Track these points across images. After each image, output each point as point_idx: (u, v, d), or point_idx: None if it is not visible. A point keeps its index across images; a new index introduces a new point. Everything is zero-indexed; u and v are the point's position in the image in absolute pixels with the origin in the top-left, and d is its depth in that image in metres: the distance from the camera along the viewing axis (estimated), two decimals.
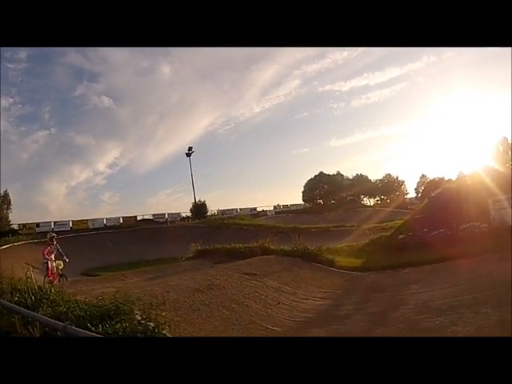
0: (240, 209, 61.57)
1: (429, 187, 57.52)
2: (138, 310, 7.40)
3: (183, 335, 8.50)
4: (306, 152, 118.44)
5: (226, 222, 39.64)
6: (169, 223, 50.83)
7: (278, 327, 9.39)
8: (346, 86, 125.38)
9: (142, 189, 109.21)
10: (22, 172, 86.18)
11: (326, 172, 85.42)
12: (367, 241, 22.31)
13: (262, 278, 13.27)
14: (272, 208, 68.81)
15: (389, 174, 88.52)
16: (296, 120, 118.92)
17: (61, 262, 17.35)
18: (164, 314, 8.39)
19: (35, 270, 22.03)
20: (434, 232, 19.38)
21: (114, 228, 46.06)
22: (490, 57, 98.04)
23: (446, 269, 13.71)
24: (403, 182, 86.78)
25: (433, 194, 24.67)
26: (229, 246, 19.39)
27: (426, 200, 24.23)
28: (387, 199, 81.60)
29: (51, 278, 16.58)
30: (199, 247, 19.77)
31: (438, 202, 21.95)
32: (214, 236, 27.35)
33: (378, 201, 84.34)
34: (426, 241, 18.78)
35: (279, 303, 11.20)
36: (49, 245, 17.81)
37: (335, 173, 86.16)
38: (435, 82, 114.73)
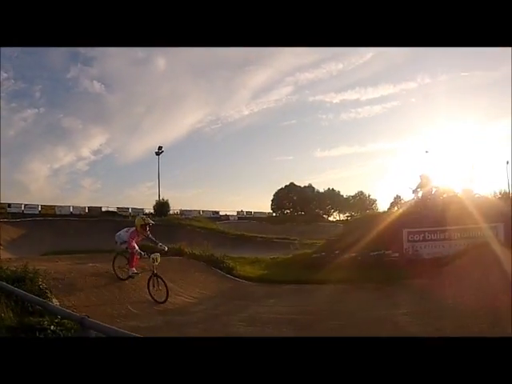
0: (203, 211, 62.44)
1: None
2: (41, 279, 10.74)
3: (66, 302, 10.73)
4: (290, 160, 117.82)
5: (182, 222, 40.82)
6: (131, 217, 47.96)
7: (137, 310, 11.64)
8: (336, 98, 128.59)
9: (124, 179, 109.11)
10: (6, 149, 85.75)
11: (297, 183, 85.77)
12: (290, 255, 23.29)
13: None
14: (235, 213, 68.95)
15: (361, 192, 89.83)
16: (283, 127, 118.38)
17: (158, 255, 13.56)
18: (60, 286, 11.65)
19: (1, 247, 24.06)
20: (345, 255, 19.86)
21: (78, 216, 47.21)
22: (486, 85, 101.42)
23: (320, 290, 15.20)
24: (375, 200, 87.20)
25: (351, 219, 26.43)
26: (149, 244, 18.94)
27: (344, 224, 26.00)
28: None
29: (135, 270, 13.69)
30: None
31: (354, 226, 23.59)
32: (166, 234, 26.70)
33: (348, 217, 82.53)
34: (335, 262, 19.35)
35: (154, 294, 13.11)
36: (137, 232, 14.16)
37: (307, 185, 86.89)
38: (427, 104, 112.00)
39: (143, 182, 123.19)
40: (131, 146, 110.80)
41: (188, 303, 13.41)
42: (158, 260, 13.37)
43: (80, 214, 49.37)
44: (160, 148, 57.62)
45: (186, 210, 58.85)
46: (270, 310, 12.58)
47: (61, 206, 49.70)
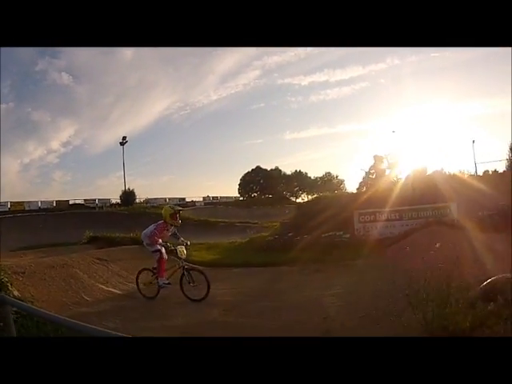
0: (169, 198, 63.42)
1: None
2: (3, 273, 10.96)
3: (26, 293, 11.16)
4: (259, 143, 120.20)
5: (147, 210, 40.60)
6: (98, 209, 52.06)
7: (89, 297, 12.46)
8: (305, 81, 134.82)
9: (94, 170, 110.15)
10: None
11: (267, 166, 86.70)
12: (247, 239, 23.77)
13: (108, 263, 15.67)
14: (201, 199, 70.17)
15: (329, 173, 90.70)
16: (252, 110, 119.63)
17: (183, 247, 12.76)
18: (21, 279, 12.11)
19: None
20: (298, 237, 20.64)
21: (46, 211, 47.35)
22: (454, 66, 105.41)
23: (265, 272, 15.98)
24: (343, 181, 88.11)
25: (302, 202, 27.14)
26: (113, 235, 21.14)
27: (296, 206, 26.79)
28: None
29: (166, 280, 12.64)
30: (91, 234, 21.57)
31: (306, 209, 23.95)
32: (132, 223, 27.65)
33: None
34: (288, 244, 20.12)
35: (107, 282, 14.03)
36: (166, 224, 13.01)
37: (273, 167, 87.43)
38: (397, 84, 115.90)
39: (113, 171, 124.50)
40: (101, 136, 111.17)
41: (132, 289, 13.81)
42: (185, 252, 12.74)
43: (48, 208, 49.76)
44: (124, 138, 59.04)
45: (152, 199, 59.86)
46: (209, 293, 12.52)
47: (30, 202, 50.84)
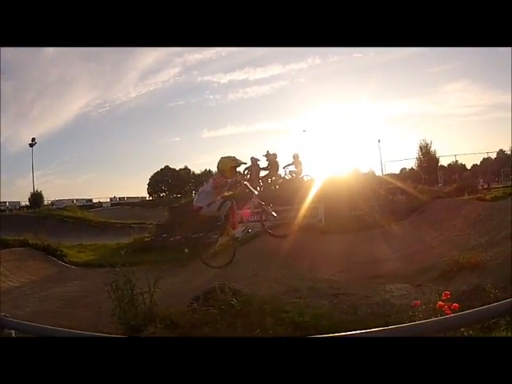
0: (76, 199, 64.40)
1: None
2: None
3: None
4: (177, 141, 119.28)
5: (52, 213, 41.05)
6: (8, 211, 51.90)
7: None
8: (225, 79, 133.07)
9: (14, 170, 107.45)
10: None
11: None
12: (131, 240, 24.75)
13: None
14: (109, 200, 70.37)
15: (239, 172, 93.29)
16: (170, 108, 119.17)
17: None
18: None
19: None
20: (172, 238, 22.45)
21: None
22: (373, 67, 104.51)
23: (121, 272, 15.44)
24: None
25: (175, 205, 28.50)
26: (7, 238, 22.59)
27: (169, 208, 29.00)
28: None
29: (241, 228, 10.87)
30: None
31: (182, 210, 24.77)
32: (37, 226, 27.28)
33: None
34: (163, 245, 22.16)
35: None
36: (224, 178, 10.24)
37: (182, 167, 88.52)
38: (316, 83, 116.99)
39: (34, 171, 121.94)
40: (21, 134, 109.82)
41: (13, 287, 15.63)
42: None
43: None
44: (33, 139, 59.05)
45: (58, 200, 60.50)
46: (64, 290, 15.03)
47: None
